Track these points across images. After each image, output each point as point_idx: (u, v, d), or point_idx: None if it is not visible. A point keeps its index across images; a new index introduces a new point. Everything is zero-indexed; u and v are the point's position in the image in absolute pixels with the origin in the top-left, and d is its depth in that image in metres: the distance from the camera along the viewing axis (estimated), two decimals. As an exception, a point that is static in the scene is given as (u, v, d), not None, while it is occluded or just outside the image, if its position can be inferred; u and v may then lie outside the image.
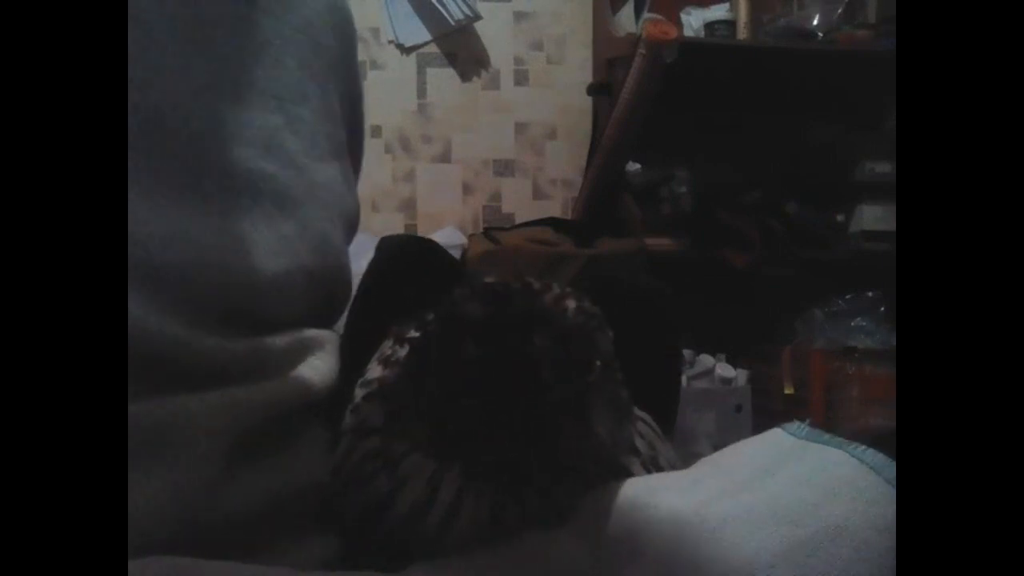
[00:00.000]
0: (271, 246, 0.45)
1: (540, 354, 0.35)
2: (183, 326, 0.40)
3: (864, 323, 1.86)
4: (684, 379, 1.86)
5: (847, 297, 1.90)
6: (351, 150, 0.59)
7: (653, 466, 0.43)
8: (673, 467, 0.44)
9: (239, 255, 0.43)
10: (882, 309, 1.86)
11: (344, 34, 0.57)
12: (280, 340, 0.45)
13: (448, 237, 1.91)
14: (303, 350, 0.47)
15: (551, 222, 1.85)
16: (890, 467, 0.33)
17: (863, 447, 0.35)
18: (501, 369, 0.36)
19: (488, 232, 1.83)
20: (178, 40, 0.42)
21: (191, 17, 0.43)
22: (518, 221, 2.04)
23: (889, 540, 0.31)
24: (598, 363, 0.38)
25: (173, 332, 0.39)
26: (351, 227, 0.57)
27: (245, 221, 0.44)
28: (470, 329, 0.38)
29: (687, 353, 1.91)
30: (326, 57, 0.54)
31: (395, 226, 2.09)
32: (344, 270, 0.54)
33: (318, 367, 0.47)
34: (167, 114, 0.41)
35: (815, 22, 1.89)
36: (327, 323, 0.53)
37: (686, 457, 0.45)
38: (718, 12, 1.90)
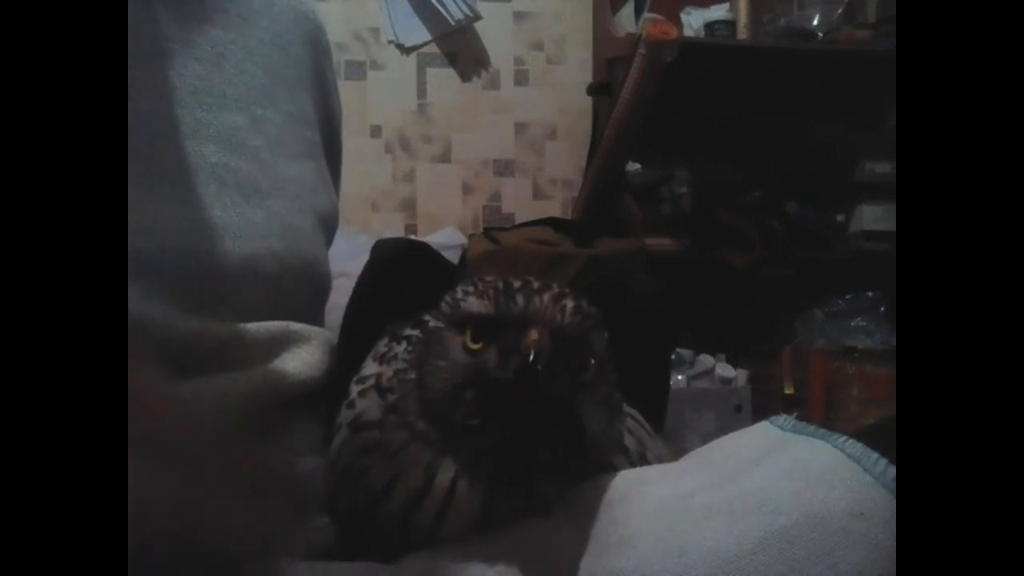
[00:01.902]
0: (238, 230, 0.47)
1: (537, 352, 0.35)
2: (163, 308, 0.41)
3: (864, 323, 1.86)
4: (684, 379, 1.87)
5: (847, 297, 1.90)
6: (328, 154, 0.61)
7: (641, 462, 0.44)
8: (661, 462, 0.45)
9: (206, 238, 0.45)
10: (882, 309, 1.86)
11: (317, 46, 0.61)
12: (264, 329, 0.47)
13: (448, 237, 1.91)
14: (288, 341, 0.49)
15: (551, 222, 1.85)
16: (870, 456, 0.34)
17: (844, 438, 0.35)
18: (498, 366, 0.37)
19: (488, 232, 1.83)
20: (138, 53, 0.46)
21: (149, 34, 0.47)
22: (518, 221, 2.04)
23: (867, 527, 0.32)
24: (593, 362, 0.39)
25: (153, 314, 0.40)
26: (327, 226, 0.58)
27: (212, 208, 0.47)
28: (469, 326, 0.38)
29: (687, 353, 1.92)
30: (297, 66, 0.57)
31: (395, 226, 2.09)
32: (319, 262, 0.55)
33: (304, 358, 0.48)
34: (130, 117, 0.44)
35: (815, 22, 1.89)
36: (311, 318, 0.54)
37: (676, 453, 0.46)
38: (718, 12, 1.90)
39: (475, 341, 0.38)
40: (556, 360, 0.36)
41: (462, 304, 0.40)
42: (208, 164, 0.47)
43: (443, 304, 0.41)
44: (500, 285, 0.39)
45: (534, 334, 0.36)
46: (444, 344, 0.40)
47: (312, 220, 0.55)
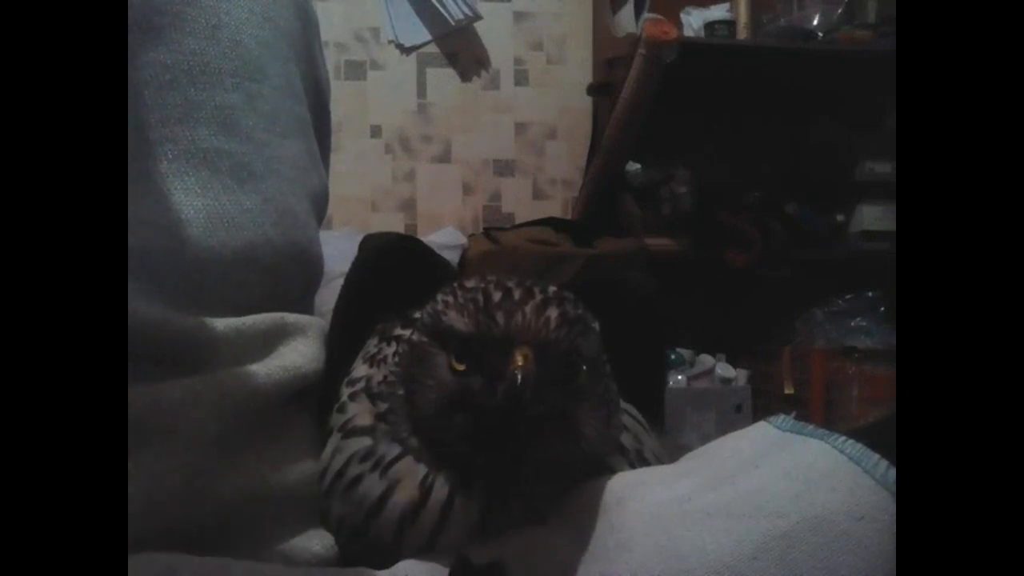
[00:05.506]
0: (232, 219, 0.46)
1: (523, 378, 0.35)
2: (155, 306, 0.40)
3: (864, 323, 1.86)
4: (684, 379, 1.86)
5: (847, 297, 1.90)
6: (317, 131, 0.59)
7: (639, 460, 0.43)
8: (659, 459, 0.45)
9: (201, 229, 0.44)
10: (882, 309, 1.86)
11: (306, 16, 0.58)
12: (260, 321, 0.46)
13: (448, 237, 1.91)
14: (284, 334, 0.48)
15: (551, 222, 1.85)
16: (870, 458, 0.34)
17: (844, 438, 0.35)
18: (483, 384, 0.36)
19: (488, 232, 1.83)
20: (129, 33, 0.44)
21: (139, 10, 0.44)
22: (518, 221, 2.04)
23: (867, 528, 0.32)
24: (584, 368, 0.38)
25: (150, 314, 0.40)
26: (319, 206, 0.57)
27: (204, 196, 0.45)
28: (452, 343, 0.38)
29: (687, 353, 1.91)
30: (287, 38, 0.55)
31: (395, 226, 2.09)
32: (312, 245, 0.54)
33: (302, 350, 0.47)
34: None
35: (815, 22, 1.89)
36: (305, 305, 0.53)
37: (673, 449, 0.46)
38: (718, 12, 1.90)
39: (459, 361, 0.37)
40: (543, 378, 0.35)
41: (443, 318, 0.38)
42: (200, 150, 0.45)
43: (424, 314, 0.41)
44: (480, 299, 0.38)
45: (518, 359, 0.35)
46: (430, 362, 0.39)
47: (306, 204, 0.54)
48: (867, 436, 0.35)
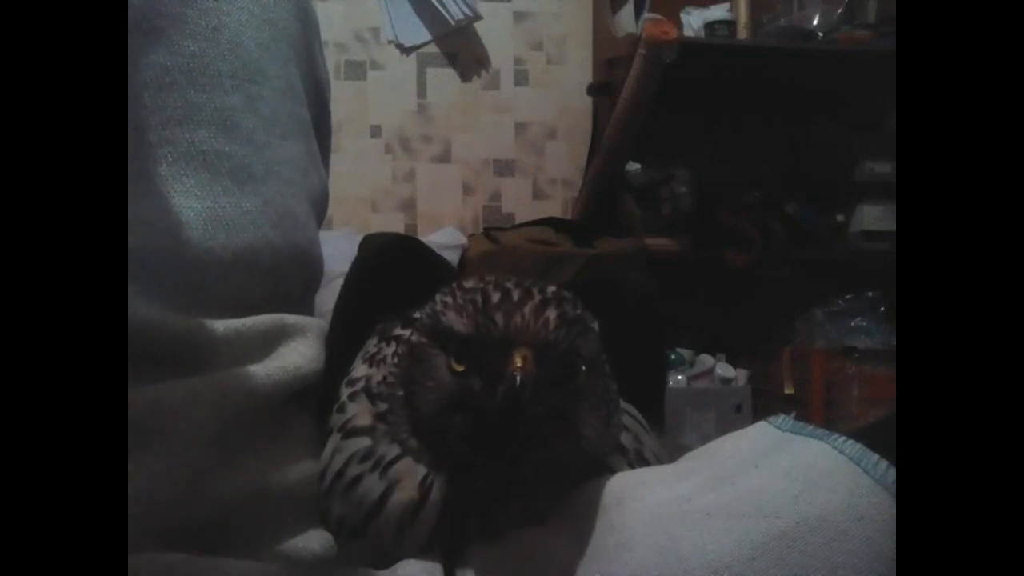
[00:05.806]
0: (232, 221, 0.46)
1: (522, 379, 0.35)
2: (154, 307, 0.41)
3: (864, 323, 1.86)
4: (684, 379, 1.87)
5: (847, 297, 1.90)
6: (317, 131, 0.60)
7: (639, 460, 0.43)
8: (659, 459, 0.45)
9: (201, 231, 0.44)
10: (882, 309, 1.86)
11: (306, 17, 0.59)
12: (259, 323, 0.46)
13: (448, 237, 1.91)
14: (284, 335, 0.48)
15: (551, 222, 1.85)
16: (870, 458, 0.34)
17: (844, 438, 0.35)
18: (483, 385, 0.36)
19: (488, 232, 1.83)
20: (129, 35, 0.44)
21: (138, 12, 0.44)
22: (518, 221, 2.04)
23: (867, 529, 0.32)
24: (583, 368, 0.38)
25: (150, 314, 0.40)
26: (319, 207, 0.58)
27: (204, 199, 0.45)
28: (451, 344, 0.38)
29: (687, 353, 1.92)
30: (287, 39, 0.55)
31: (395, 226, 2.09)
32: (312, 246, 0.54)
33: (302, 351, 0.48)
34: None
35: (815, 22, 1.89)
36: (304, 306, 0.53)
37: (673, 449, 0.46)
38: (718, 12, 1.90)
39: (458, 362, 0.37)
40: (543, 379, 0.35)
41: (442, 319, 0.38)
42: (200, 152, 0.45)
43: (423, 315, 0.41)
44: (478, 299, 0.38)
45: (517, 360, 0.35)
46: (429, 363, 0.39)
47: (307, 205, 0.54)
48: (867, 436, 0.35)
